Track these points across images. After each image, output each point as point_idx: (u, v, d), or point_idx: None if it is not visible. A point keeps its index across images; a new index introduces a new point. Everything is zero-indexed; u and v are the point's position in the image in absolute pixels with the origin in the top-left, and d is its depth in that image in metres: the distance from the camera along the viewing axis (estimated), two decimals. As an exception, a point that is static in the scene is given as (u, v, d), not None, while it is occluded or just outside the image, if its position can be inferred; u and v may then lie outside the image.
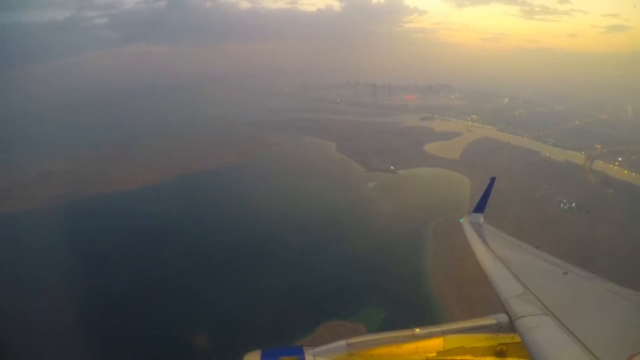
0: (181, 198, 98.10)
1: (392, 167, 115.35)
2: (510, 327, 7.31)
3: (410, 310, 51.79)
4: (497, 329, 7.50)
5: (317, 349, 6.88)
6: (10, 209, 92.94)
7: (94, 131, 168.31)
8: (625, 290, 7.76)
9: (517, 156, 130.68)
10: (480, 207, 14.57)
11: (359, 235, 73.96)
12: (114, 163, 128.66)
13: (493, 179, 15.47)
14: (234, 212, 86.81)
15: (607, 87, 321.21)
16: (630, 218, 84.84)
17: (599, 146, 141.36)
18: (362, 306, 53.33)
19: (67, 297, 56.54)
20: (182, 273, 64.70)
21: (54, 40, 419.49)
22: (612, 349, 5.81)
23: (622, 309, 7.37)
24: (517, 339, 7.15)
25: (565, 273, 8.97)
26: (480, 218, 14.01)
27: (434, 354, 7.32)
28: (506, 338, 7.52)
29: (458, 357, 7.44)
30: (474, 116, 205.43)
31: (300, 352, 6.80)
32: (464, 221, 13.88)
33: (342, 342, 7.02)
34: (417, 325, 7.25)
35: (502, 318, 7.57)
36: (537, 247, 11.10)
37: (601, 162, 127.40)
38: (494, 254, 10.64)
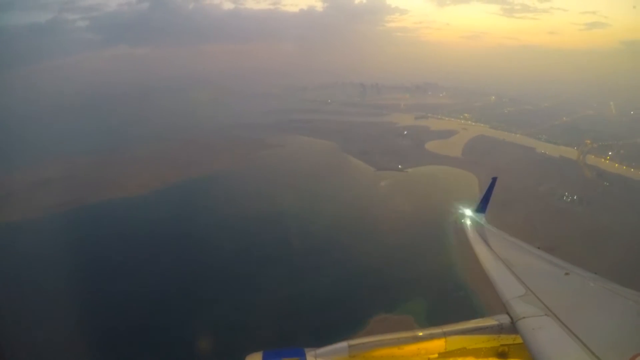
0: (195, 204, 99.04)
1: (399, 166, 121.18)
2: (512, 328, 7.44)
3: (450, 299, 57.01)
4: (499, 330, 7.65)
5: (318, 350, 7.00)
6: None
7: (80, 136, 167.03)
8: (627, 290, 7.89)
9: (515, 153, 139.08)
10: (482, 208, 14.62)
11: (388, 232, 78.79)
12: (110, 169, 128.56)
13: (494, 179, 15.53)
14: (263, 215, 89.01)
15: (587, 83, 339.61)
16: (628, 207, 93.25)
17: (589, 141, 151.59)
18: (405, 299, 58.00)
19: (72, 309, 57.04)
20: (218, 284, 64.59)
21: (35, 44, 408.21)
22: (614, 350, 5.90)
23: (624, 309, 7.51)
24: (519, 340, 7.24)
25: (567, 274, 9.21)
26: (482, 218, 14.10)
27: (436, 356, 7.46)
28: (508, 339, 7.65)
29: (460, 359, 7.55)
30: (466, 114, 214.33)
31: (301, 353, 6.92)
32: (466, 222, 14.05)
33: (344, 344, 7.16)
34: (420, 328, 7.43)
35: (504, 319, 7.74)
36: (538, 248, 11.43)
37: (593, 156, 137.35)
38: (496, 255, 10.85)
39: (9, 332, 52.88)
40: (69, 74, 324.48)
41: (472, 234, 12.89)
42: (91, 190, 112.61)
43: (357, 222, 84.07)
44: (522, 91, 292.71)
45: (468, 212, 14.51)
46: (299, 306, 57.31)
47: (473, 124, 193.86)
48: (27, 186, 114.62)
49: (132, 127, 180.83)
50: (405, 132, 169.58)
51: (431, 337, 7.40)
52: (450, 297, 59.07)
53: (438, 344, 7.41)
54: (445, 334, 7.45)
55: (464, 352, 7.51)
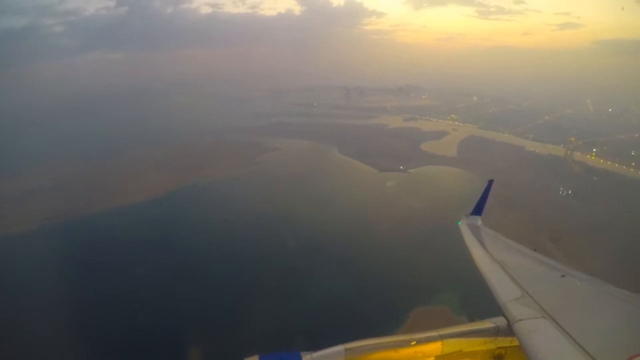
0: (207, 211, 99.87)
1: (401, 167, 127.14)
2: (509, 330, 7.57)
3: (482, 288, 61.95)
4: (495, 332, 7.78)
5: (314, 354, 7.10)
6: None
7: (61, 143, 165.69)
8: (622, 292, 8.08)
9: (507, 152, 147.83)
10: (478, 210, 14.89)
11: (408, 229, 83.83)
12: (103, 177, 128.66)
13: (491, 182, 15.88)
14: (287, 220, 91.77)
15: (562, 81, 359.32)
16: (618, 200, 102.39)
17: (573, 139, 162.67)
18: (439, 291, 62.67)
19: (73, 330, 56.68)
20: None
21: (9, 50, 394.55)
22: (610, 352, 6.03)
23: (620, 311, 7.64)
24: (516, 343, 7.33)
25: (563, 276, 9.39)
26: (478, 221, 14.32)
27: (432, 358, 7.56)
28: (504, 342, 7.78)
29: None
30: (453, 115, 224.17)
31: (298, 357, 7.02)
32: (462, 224, 14.26)
33: (340, 347, 7.23)
34: (415, 331, 7.63)
35: (500, 321, 7.87)
36: (534, 250, 11.66)
37: (579, 153, 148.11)
38: (492, 257, 10.99)
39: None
40: (44, 81, 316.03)
41: (468, 236, 13.13)
42: (87, 200, 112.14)
43: (378, 221, 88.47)
44: (501, 91, 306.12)
45: (464, 214, 14.76)
46: (343, 303, 61.06)
47: (461, 124, 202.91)
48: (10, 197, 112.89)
49: (120, 133, 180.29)
50: (398, 134, 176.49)
51: (427, 340, 7.55)
52: (482, 286, 63.99)
53: (434, 347, 7.54)
54: (441, 337, 7.61)
55: (460, 354, 7.63)
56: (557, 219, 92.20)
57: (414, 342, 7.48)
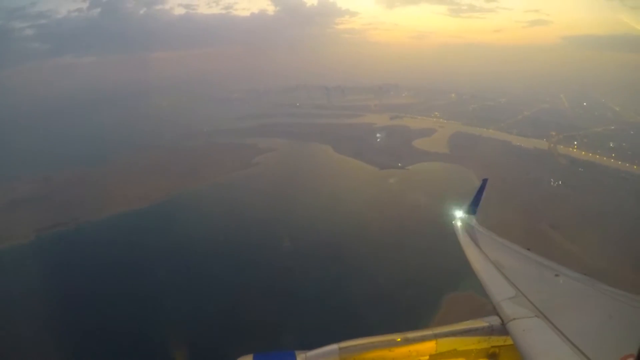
0: (211, 215, 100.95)
1: (399, 164, 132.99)
2: (503, 329, 7.77)
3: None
4: (490, 331, 8.02)
5: (309, 353, 7.35)
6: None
7: (43, 149, 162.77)
8: (616, 291, 8.32)
9: (495, 147, 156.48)
10: (472, 209, 15.17)
11: (421, 222, 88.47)
12: (95, 182, 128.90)
13: (485, 181, 16.12)
14: (293, 220, 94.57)
15: (534, 77, 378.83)
16: (605, 188, 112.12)
17: (554, 133, 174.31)
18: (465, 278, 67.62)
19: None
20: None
21: None
22: (604, 351, 6.21)
23: (614, 310, 7.79)
24: (510, 342, 7.51)
25: (557, 275, 9.53)
26: (473, 220, 14.61)
27: (427, 357, 7.77)
28: (499, 340, 8.00)
29: None
30: (436, 113, 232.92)
31: (292, 356, 7.27)
32: (456, 223, 14.54)
33: (334, 346, 7.49)
34: (410, 329, 7.86)
35: (495, 320, 8.12)
36: (528, 249, 11.78)
37: (562, 146, 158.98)
38: (486, 257, 11.22)
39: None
40: (14, 86, 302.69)
41: (462, 236, 13.37)
42: (82, 207, 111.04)
43: (393, 218, 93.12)
44: (477, 88, 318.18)
45: (459, 213, 15.04)
46: (376, 294, 65.31)
47: (446, 121, 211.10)
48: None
49: (103, 137, 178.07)
50: (387, 132, 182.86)
51: (422, 339, 7.70)
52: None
53: (429, 346, 7.70)
54: (436, 336, 7.77)
55: (454, 353, 7.78)
56: (553, 208, 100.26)
57: (407, 341, 7.64)
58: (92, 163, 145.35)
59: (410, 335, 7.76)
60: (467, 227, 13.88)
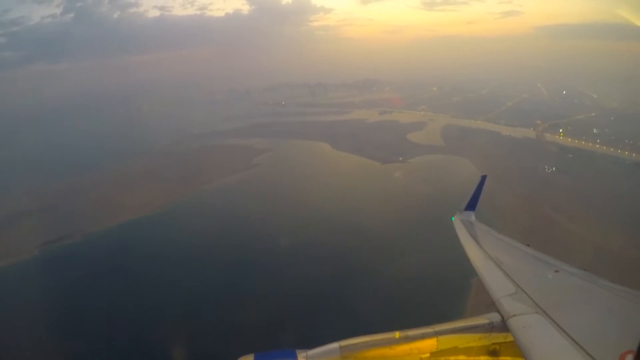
0: (223, 217, 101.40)
1: (400, 158, 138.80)
2: (503, 326, 7.87)
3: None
4: (490, 328, 8.15)
5: (310, 352, 7.49)
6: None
7: (33, 160, 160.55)
8: (617, 287, 8.41)
9: (487, 137, 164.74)
10: (471, 205, 15.43)
11: (439, 211, 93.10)
12: (94, 191, 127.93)
13: (484, 177, 16.43)
14: (312, 217, 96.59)
15: (510, 67, 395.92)
16: (595, 172, 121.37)
17: (539, 122, 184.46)
18: None
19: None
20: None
21: None
22: (605, 346, 6.24)
23: (614, 305, 7.86)
24: (510, 338, 7.61)
25: (556, 271, 9.79)
26: (472, 216, 14.83)
27: (428, 355, 7.92)
28: (499, 337, 8.13)
29: (451, 358, 8.01)
30: (423, 107, 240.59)
31: (293, 355, 7.41)
32: (456, 219, 14.73)
33: (335, 345, 7.61)
34: (411, 327, 7.94)
35: (495, 317, 8.22)
36: (528, 245, 12.00)
37: (548, 134, 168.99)
38: (486, 253, 11.45)
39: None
40: None
41: (461, 232, 13.55)
42: (85, 218, 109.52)
43: (408, 210, 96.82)
44: (456, 80, 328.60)
45: (458, 209, 15.31)
46: (412, 291, 67.29)
47: (434, 114, 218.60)
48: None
49: (91, 144, 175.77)
50: (380, 127, 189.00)
51: (423, 337, 7.87)
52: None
53: (430, 344, 7.89)
54: (436, 333, 7.95)
55: (455, 351, 7.97)
56: (552, 192, 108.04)
57: (408, 339, 7.76)
58: (87, 171, 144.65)
59: (411, 332, 7.89)
60: (467, 224, 14.17)
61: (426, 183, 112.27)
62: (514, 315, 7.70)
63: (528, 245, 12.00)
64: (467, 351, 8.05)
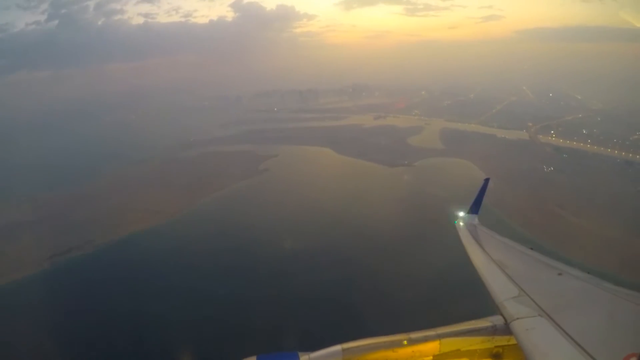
0: (240, 223, 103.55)
1: (406, 162, 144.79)
2: (506, 329, 8.00)
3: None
4: (493, 331, 8.28)
5: (312, 355, 7.61)
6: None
7: (29, 168, 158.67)
8: (619, 289, 8.55)
9: (484, 140, 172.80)
10: (475, 208, 15.84)
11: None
12: (101, 200, 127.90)
13: (487, 180, 16.81)
14: (333, 222, 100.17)
15: (494, 71, 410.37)
16: (591, 170, 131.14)
17: (530, 124, 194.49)
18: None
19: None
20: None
21: None
22: (608, 350, 6.34)
23: (617, 308, 7.98)
24: (513, 341, 7.70)
25: (559, 274, 9.94)
26: (475, 219, 15.24)
27: (430, 358, 8.03)
28: (502, 340, 8.26)
29: None
30: (416, 111, 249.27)
31: (295, 357, 7.57)
32: (459, 223, 15.11)
33: (338, 347, 7.73)
34: (413, 330, 8.03)
35: (498, 320, 8.38)
36: (531, 248, 12.30)
37: (541, 136, 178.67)
38: (489, 257, 11.70)
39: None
40: None
41: (465, 236, 13.76)
42: (97, 228, 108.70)
43: (426, 210, 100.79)
44: (443, 84, 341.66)
45: (461, 213, 15.68)
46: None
47: (428, 119, 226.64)
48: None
49: (89, 152, 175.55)
50: (378, 132, 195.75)
51: (425, 340, 8.03)
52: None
53: (432, 346, 8.02)
54: (439, 336, 8.09)
55: (458, 353, 8.13)
56: (554, 190, 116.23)
57: (411, 342, 7.92)
58: (87, 180, 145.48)
59: (414, 335, 7.96)
60: (470, 227, 14.50)
61: (437, 185, 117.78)
62: (517, 318, 7.85)
63: (531, 249, 12.35)
64: (469, 354, 8.14)
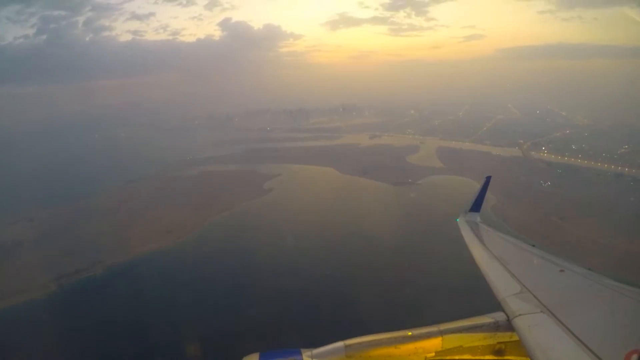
0: (252, 242, 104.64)
1: (409, 180, 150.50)
2: (508, 325, 8.05)
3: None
4: (495, 327, 8.35)
5: (315, 351, 7.69)
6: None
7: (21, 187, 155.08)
8: (621, 285, 8.56)
9: (480, 157, 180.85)
10: (476, 206, 16.43)
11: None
12: (106, 220, 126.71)
13: (488, 178, 17.60)
14: (350, 241, 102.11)
15: (478, 89, 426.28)
16: (586, 184, 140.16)
17: (522, 141, 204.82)
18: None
19: None
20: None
21: None
22: (610, 346, 6.36)
23: (619, 305, 8.02)
24: (515, 338, 7.76)
25: (561, 270, 10.03)
26: (477, 217, 15.71)
27: (433, 354, 8.10)
28: (504, 337, 8.29)
29: (457, 357, 8.17)
30: (409, 130, 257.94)
31: (298, 353, 7.63)
32: (461, 220, 15.53)
33: (340, 344, 7.83)
34: (415, 326, 8.13)
35: (500, 317, 8.43)
36: (533, 245, 12.46)
37: (533, 152, 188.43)
38: (491, 253, 11.87)
39: None
40: None
41: (466, 233, 14.24)
42: (104, 249, 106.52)
43: (439, 225, 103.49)
44: (431, 103, 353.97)
45: (463, 211, 16.21)
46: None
47: (422, 137, 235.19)
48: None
49: (83, 171, 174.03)
50: (376, 151, 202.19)
51: (428, 336, 8.11)
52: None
53: (435, 343, 8.10)
54: (441, 333, 8.17)
55: (460, 350, 8.17)
56: (554, 203, 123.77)
57: (413, 338, 8.08)
58: (88, 197, 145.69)
59: (416, 331, 8.14)
60: (472, 224, 14.73)
61: (444, 202, 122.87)
62: (520, 315, 7.91)
63: (533, 246, 12.55)
64: (472, 350, 8.24)
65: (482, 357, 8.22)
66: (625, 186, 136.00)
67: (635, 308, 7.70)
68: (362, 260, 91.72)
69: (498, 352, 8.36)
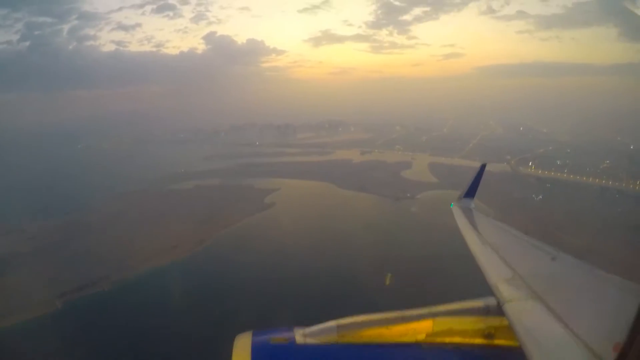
0: (261, 258, 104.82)
1: (408, 195, 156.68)
2: (499, 310, 8.09)
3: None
4: (486, 312, 8.35)
5: (307, 330, 7.75)
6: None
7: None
8: (611, 277, 8.50)
9: (473, 173, 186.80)
10: (470, 193, 16.65)
11: None
12: (107, 234, 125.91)
13: (484, 165, 17.51)
14: (360, 257, 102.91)
15: (458, 105, 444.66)
16: (576, 197, 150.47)
17: (509, 157, 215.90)
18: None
19: None
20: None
21: None
22: (599, 335, 6.44)
23: (608, 296, 8.04)
24: (506, 322, 7.83)
25: (553, 259, 9.87)
26: (471, 203, 15.86)
27: (423, 336, 8.13)
28: (495, 321, 8.29)
29: (447, 339, 8.21)
30: (398, 146, 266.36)
31: (290, 331, 7.71)
32: (455, 206, 15.65)
33: (333, 323, 7.82)
34: (408, 308, 8.14)
35: (491, 301, 8.42)
36: (526, 233, 12.26)
37: (521, 168, 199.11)
38: (484, 239, 11.83)
39: None
40: None
41: (460, 219, 14.32)
42: (106, 264, 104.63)
43: (447, 237, 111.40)
44: (416, 119, 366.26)
45: (457, 196, 16.73)
46: None
47: (412, 153, 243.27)
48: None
49: (72, 184, 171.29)
50: (370, 166, 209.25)
51: (419, 318, 8.12)
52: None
53: (426, 325, 8.10)
54: (432, 315, 8.18)
55: (451, 332, 8.22)
56: (549, 216, 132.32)
57: (404, 319, 8.10)
58: (81, 210, 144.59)
59: (408, 313, 8.21)
60: (465, 211, 14.87)
61: (446, 215, 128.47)
62: (510, 300, 8.07)
63: (526, 233, 12.41)
64: (462, 333, 8.35)
65: (472, 340, 8.23)
66: (612, 198, 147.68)
67: (623, 300, 7.40)
68: (383, 274, 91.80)
69: (488, 335, 8.34)
